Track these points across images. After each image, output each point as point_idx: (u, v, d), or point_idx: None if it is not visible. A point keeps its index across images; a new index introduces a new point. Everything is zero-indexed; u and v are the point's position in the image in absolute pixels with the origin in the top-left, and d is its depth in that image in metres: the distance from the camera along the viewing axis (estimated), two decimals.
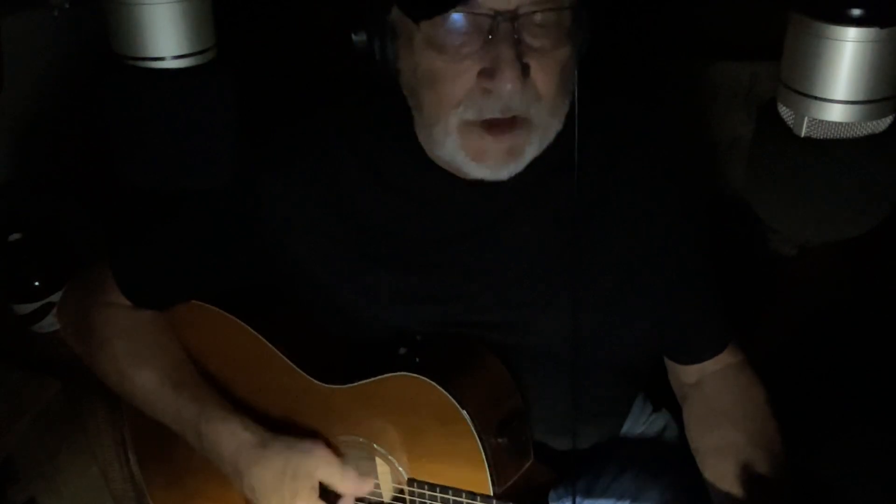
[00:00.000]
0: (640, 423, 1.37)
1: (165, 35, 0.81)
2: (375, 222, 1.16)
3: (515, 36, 0.98)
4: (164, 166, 0.88)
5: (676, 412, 1.32)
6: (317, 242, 1.17)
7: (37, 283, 1.51)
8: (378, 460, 1.17)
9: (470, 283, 1.15)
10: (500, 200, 1.14)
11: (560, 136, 1.07)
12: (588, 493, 1.27)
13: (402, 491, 1.17)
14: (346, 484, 1.15)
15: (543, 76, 1.01)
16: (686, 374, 1.26)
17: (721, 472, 1.15)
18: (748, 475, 1.12)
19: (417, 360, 1.13)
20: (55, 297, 1.51)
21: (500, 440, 1.10)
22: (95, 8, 0.82)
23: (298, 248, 1.17)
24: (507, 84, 0.98)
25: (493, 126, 1.02)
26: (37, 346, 1.53)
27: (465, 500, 1.12)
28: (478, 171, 1.06)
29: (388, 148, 1.16)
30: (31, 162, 1.69)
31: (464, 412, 1.07)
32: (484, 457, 1.09)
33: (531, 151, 1.05)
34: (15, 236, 1.50)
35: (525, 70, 0.99)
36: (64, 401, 1.45)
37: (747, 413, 1.20)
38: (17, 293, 1.52)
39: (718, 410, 1.21)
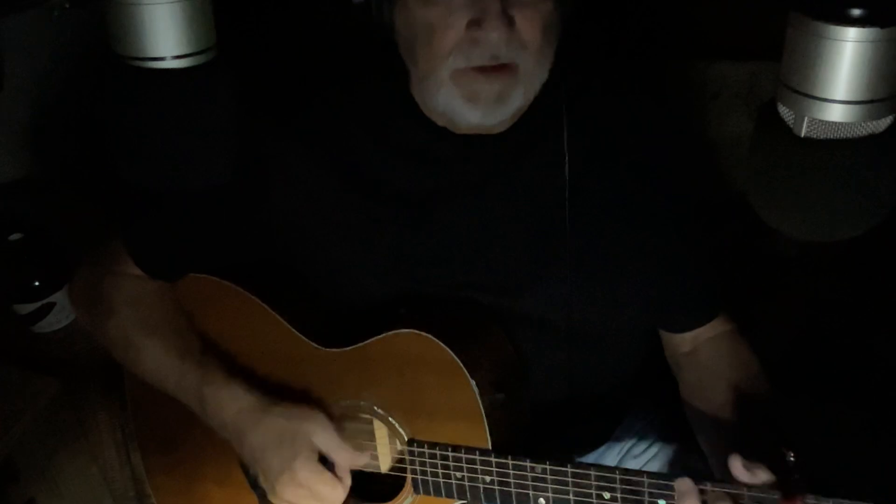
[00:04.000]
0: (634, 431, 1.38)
1: (165, 35, 0.81)
2: (376, 182, 1.19)
3: None
4: (164, 166, 0.88)
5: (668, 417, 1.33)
6: (320, 210, 1.20)
7: (37, 283, 1.51)
8: (377, 426, 1.18)
9: (466, 242, 1.19)
10: (498, 157, 1.18)
11: (556, 95, 1.13)
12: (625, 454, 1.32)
13: (402, 452, 1.18)
14: (342, 454, 1.17)
15: (528, 26, 1.07)
16: (680, 344, 1.29)
17: (715, 433, 1.17)
18: (740, 426, 1.15)
19: (416, 317, 1.14)
20: (55, 297, 1.51)
21: (497, 395, 1.12)
22: (95, 8, 0.82)
23: (303, 217, 1.20)
24: (494, 32, 1.04)
25: (483, 69, 1.08)
26: (37, 346, 1.53)
27: (464, 455, 1.12)
28: (471, 114, 1.10)
29: (388, 110, 1.20)
30: (31, 162, 1.70)
31: (458, 361, 1.09)
32: (481, 407, 1.10)
33: (518, 97, 1.11)
34: (15, 236, 1.51)
35: (510, 21, 1.05)
36: (64, 401, 1.46)
37: (741, 375, 1.22)
38: (17, 293, 1.52)
39: (713, 374, 1.24)
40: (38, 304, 1.51)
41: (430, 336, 1.11)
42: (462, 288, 1.19)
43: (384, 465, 1.20)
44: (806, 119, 0.76)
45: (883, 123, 0.76)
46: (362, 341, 1.16)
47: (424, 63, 1.10)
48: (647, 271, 1.21)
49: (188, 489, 1.35)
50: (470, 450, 1.12)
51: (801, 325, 1.59)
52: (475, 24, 1.05)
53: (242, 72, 0.88)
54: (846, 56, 0.72)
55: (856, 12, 0.71)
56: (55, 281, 1.51)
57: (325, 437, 1.16)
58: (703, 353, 1.26)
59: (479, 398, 1.10)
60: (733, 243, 1.56)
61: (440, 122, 1.17)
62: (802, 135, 0.76)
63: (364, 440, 1.20)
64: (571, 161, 1.15)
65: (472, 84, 1.08)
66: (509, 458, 1.10)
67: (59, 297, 1.52)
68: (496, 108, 1.10)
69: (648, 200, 1.20)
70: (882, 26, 0.71)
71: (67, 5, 0.98)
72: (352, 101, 1.22)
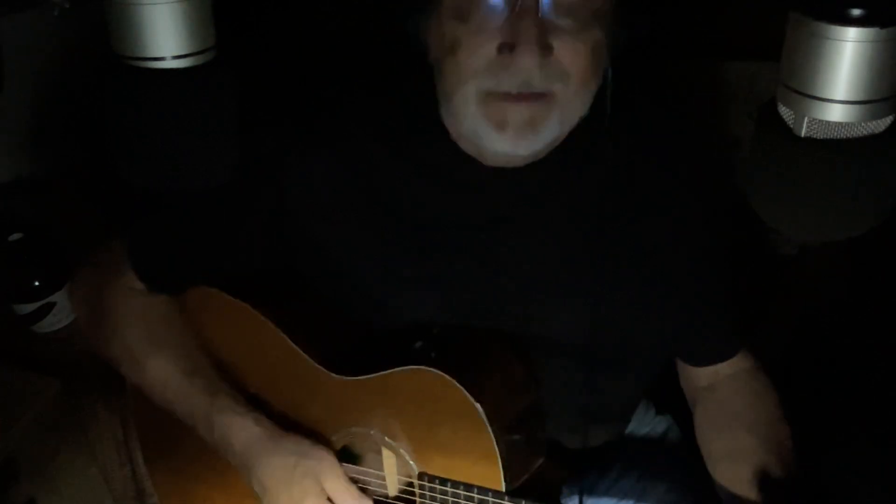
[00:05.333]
0: (644, 424, 1.37)
1: (165, 35, 0.81)
2: (399, 206, 1.16)
3: (539, 14, 0.98)
4: (164, 166, 0.87)
5: (679, 416, 1.32)
6: (339, 227, 1.16)
7: (37, 283, 1.51)
8: (387, 454, 1.17)
9: (492, 271, 1.15)
10: (527, 189, 1.14)
11: (587, 130, 1.06)
12: (592, 492, 1.27)
13: (411, 485, 1.17)
14: (348, 500, 1.16)
15: (570, 55, 1.00)
16: (699, 378, 1.26)
17: (733, 475, 1.15)
18: (761, 479, 1.12)
19: (433, 354, 1.12)
20: (55, 297, 1.51)
21: (514, 437, 1.10)
22: (95, 8, 0.82)
23: (320, 232, 1.17)
24: (526, 60, 0.98)
25: (513, 97, 1.01)
26: (37, 346, 1.53)
27: (476, 496, 1.11)
28: (498, 142, 1.05)
29: (415, 133, 1.16)
30: (31, 162, 1.69)
31: (479, 408, 1.07)
32: (498, 453, 1.08)
33: (550, 127, 1.04)
34: (15, 236, 1.50)
35: (547, 48, 0.99)
36: (64, 401, 1.45)
37: (760, 417, 1.19)
38: (17, 293, 1.52)
39: (731, 414, 1.21)
40: (38, 304, 1.51)
41: (451, 379, 1.08)
42: (483, 315, 1.17)
43: (392, 489, 1.19)
44: (806, 119, 0.76)
45: (883, 123, 0.76)
46: (376, 372, 1.14)
47: (450, 80, 1.04)
48: (671, 306, 1.19)
49: (191, 491, 1.35)
50: (483, 490, 1.11)
51: (801, 325, 1.59)
52: (507, 48, 0.99)
53: (257, 78, 0.88)
54: (846, 56, 0.72)
55: (856, 12, 0.71)
56: (55, 281, 1.51)
57: (333, 481, 1.15)
58: (721, 391, 1.23)
59: (496, 444, 1.08)
60: (733, 243, 1.56)
61: (469, 151, 1.13)
62: (802, 135, 0.76)
63: (371, 466, 1.20)
64: (603, 192, 1.10)
65: (501, 110, 1.02)
66: (523, 502, 1.09)
67: (59, 297, 1.51)
68: (526, 136, 1.03)
69: (675, 233, 1.17)
70: (882, 26, 0.71)
71: (67, 5, 0.97)
72: (376, 118, 1.17)
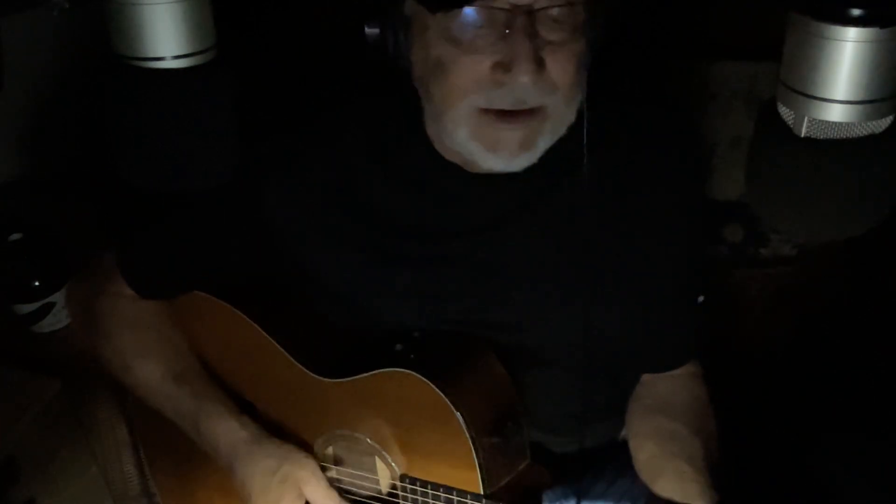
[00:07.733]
0: None
1: (165, 35, 0.81)
2: (384, 217, 1.16)
3: (531, 30, 0.98)
4: (163, 166, 0.88)
5: None
6: (324, 239, 1.17)
7: (37, 283, 1.50)
8: (370, 457, 1.17)
9: (478, 280, 1.15)
10: (512, 196, 1.14)
11: (574, 134, 1.06)
12: (587, 495, 1.27)
13: (395, 486, 1.17)
14: None
15: (559, 68, 1.00)
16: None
17: (656, 454, 1.14)
18: (684, 462, 1.11)
19: (412, 356, 1.13)
20: (55, 297, 1.51)
21: (493, 440, 1.10)
22: (95, 8, 0.82)
23: (304, 244, 1.17)
24: (523, 77, 0.98)
25: (506, 114, 1.02)
26: (37, 346, 1.53)
27: (455, 498, 1.12)
28: (492, 161, 1.05)
29: (398, 143, 1.16)
30: (31, 162, 1.69)
31: (456, 412, 1.07)
32: (475, 456, 1.09)
33: (544, 142, 1.05)
34: (15, 236, 1.50)
35: (540, 63, 0.99)
36: (64, 401, 1.45)
37: (695, 412, 1.18)
38: (17, 293, 1.52)
39: (667, 402, 1.20)
40: (38, 304, 1.51)
41: (428, 382, 1.08)
42: (472, 324, 1.17)
43: (384, 486, 1.20)
44: (806, 119, 0.76)
45: (883, 123, 0.76)
46: (358, 374, 1.15)
47: (441, 101, 1.04)
48: (656, 307, 1.19)
49: (191, 491, 1.36)
50: (462, 493, 1.11)
51: (801, 325, 1.59)
52: (502, 66, 0.99)
53: (255, 80, 0.88)
54: (846, 56, 0.72)
55: (856, 12, 0.71)
56: (55, 281, 1.51)
57: (313, 486, 1.17)
58: (662, 384, 1.23)
59: (473, 447, 1.08)
60: (732, 243, 1.56)
61: (453, 160, 1.12)
62: (802, 135, 0.77)
63: (355, 467, 1.20)
64: (592, 198, 1.09)
65: (493, 132, 1.02)
66: None
67: (59, 297, 1.51)
68: (520, 156, 1.04)
69: (662, 243, 1.17)
70: (882, 26, 0.71)
71: (67, 5, 0.98)
72: (361, 135, 1.16)
